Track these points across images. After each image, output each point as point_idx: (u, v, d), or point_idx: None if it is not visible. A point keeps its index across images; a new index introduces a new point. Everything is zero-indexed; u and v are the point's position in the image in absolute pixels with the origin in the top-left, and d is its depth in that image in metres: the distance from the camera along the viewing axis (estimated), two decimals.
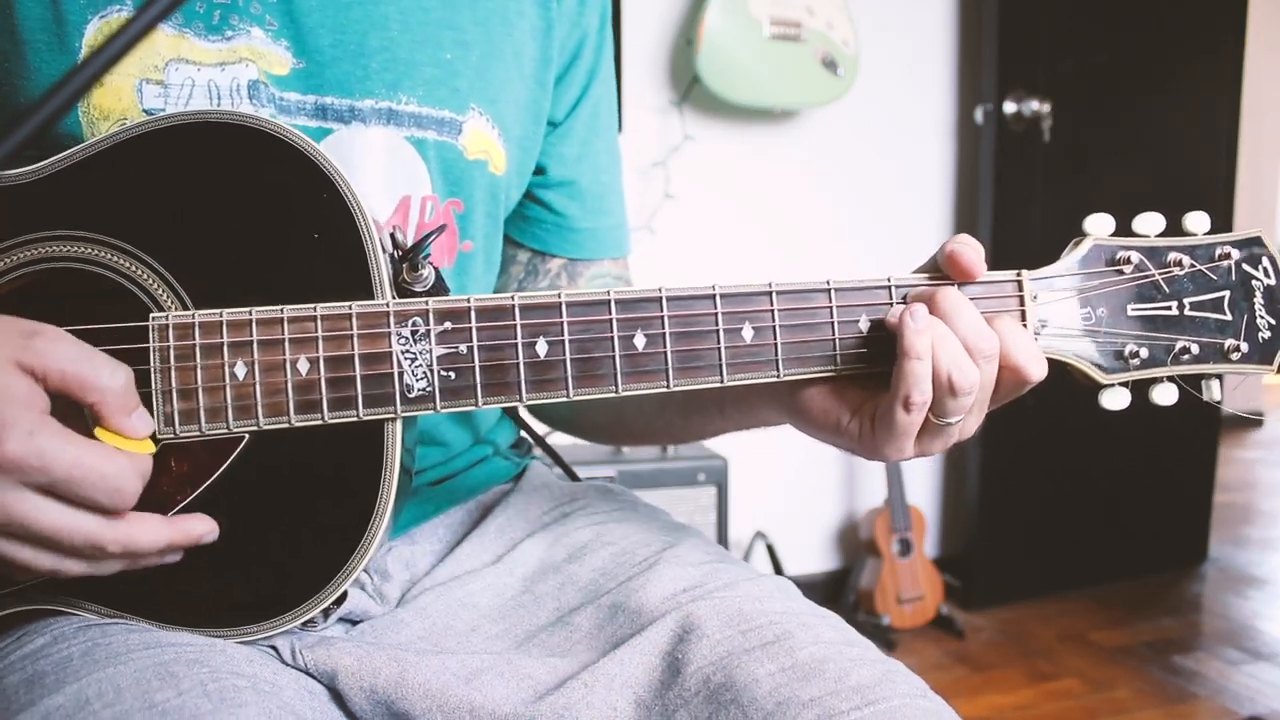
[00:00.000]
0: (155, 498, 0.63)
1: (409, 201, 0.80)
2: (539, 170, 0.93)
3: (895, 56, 2.90)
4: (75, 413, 0.58)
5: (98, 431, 0.59)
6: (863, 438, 0.70)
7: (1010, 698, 2.48)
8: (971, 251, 0.69)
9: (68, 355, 0.57)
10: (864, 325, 0.70)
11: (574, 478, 1.00)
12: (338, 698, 0.69)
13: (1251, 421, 5.68)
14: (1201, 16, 3.12)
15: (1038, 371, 0.69)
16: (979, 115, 2.84)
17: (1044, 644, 2.77)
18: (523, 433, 1.03)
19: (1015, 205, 2.85)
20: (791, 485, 2.94)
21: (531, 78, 0.87)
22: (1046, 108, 2.80)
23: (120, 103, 0.71)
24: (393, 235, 0.68)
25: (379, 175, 0.78)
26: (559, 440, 1.17)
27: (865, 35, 2.72)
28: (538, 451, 1.05)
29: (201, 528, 0.63)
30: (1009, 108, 2.79)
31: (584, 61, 0.93)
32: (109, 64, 0.57)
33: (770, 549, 2.76)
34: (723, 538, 2.42)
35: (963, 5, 2.98)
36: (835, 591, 2.94)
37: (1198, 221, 0.74)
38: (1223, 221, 3.21)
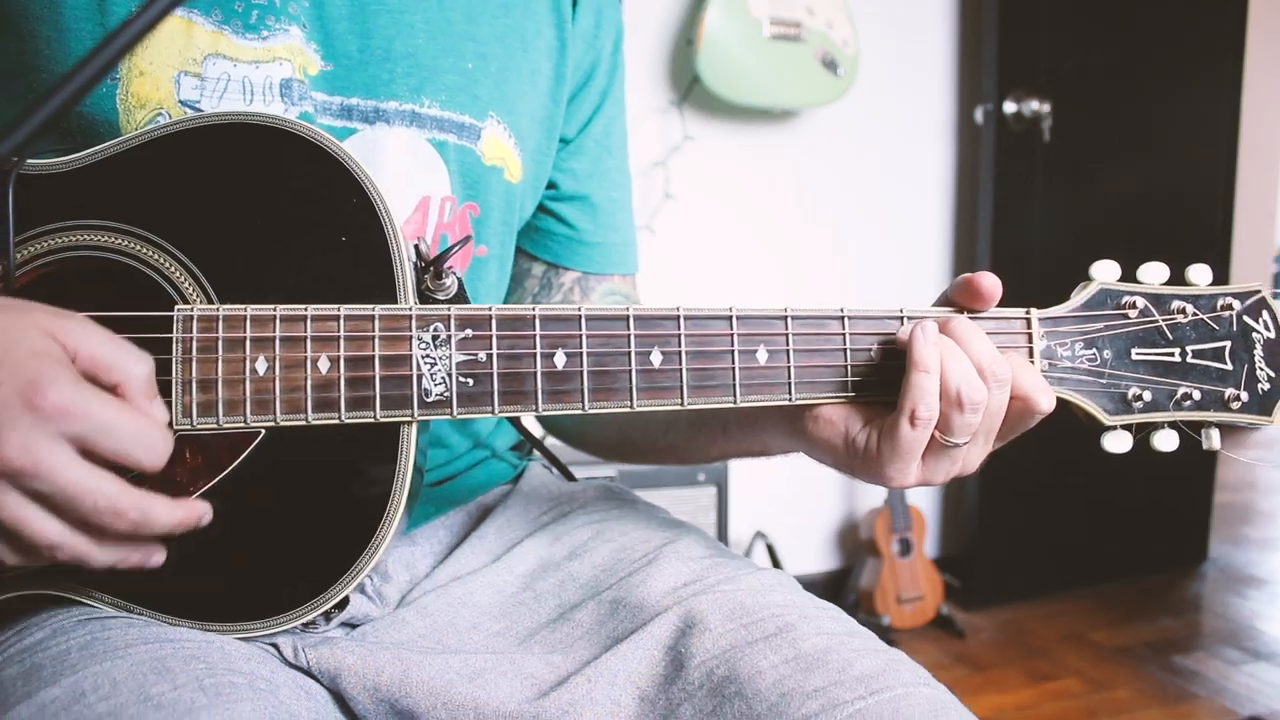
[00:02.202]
0: (169, 488, 0.64)
1: (428, 202, 0.82)
2: (551, 185, 0.95)
3: (895, 56, 2.91)
4: None
5: None
6: (866, 455, 0.71)
7: (1010, 698, 2.48)
8: (991, 278, 0.71)
9: (97, 337, 0.59)
10: (875, 354, 0.71)
11: (570, 478, 1.01)
12: (338, 699, 0.70)
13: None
14: (1202, 17, 3.13)
15: (1045, 403, 0.71)
16: (979, 115, 2.84)
17: (1044, 644, 2.78)
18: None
19: (1015, 205, 2.85)
20: (791, 485, 2.94)
21: (546, 94, 0.90)
22: (1046, 108, 2.81)
23: (158, 92, 0.72)
24: (416, 247, 0.69)
25: (400, 175, 0.79)
26: (557, 440, 1.17)
27: (865, 35, 2.72)
28: (536, 453, 1.05)
29: (202, 508, 0.63)
30: (1009, 108, 2.79)
31: (597, 83, 0.95)
32: (127, 47, 0.57)
33: (770, 549, 2.76)
34: (723, 537, 2.42)
35: (963, 5, 2.99)
36: (835, 591, 2.94)
37: (1200, 274, 0.76)
38: (1223, 222, 3.22)
